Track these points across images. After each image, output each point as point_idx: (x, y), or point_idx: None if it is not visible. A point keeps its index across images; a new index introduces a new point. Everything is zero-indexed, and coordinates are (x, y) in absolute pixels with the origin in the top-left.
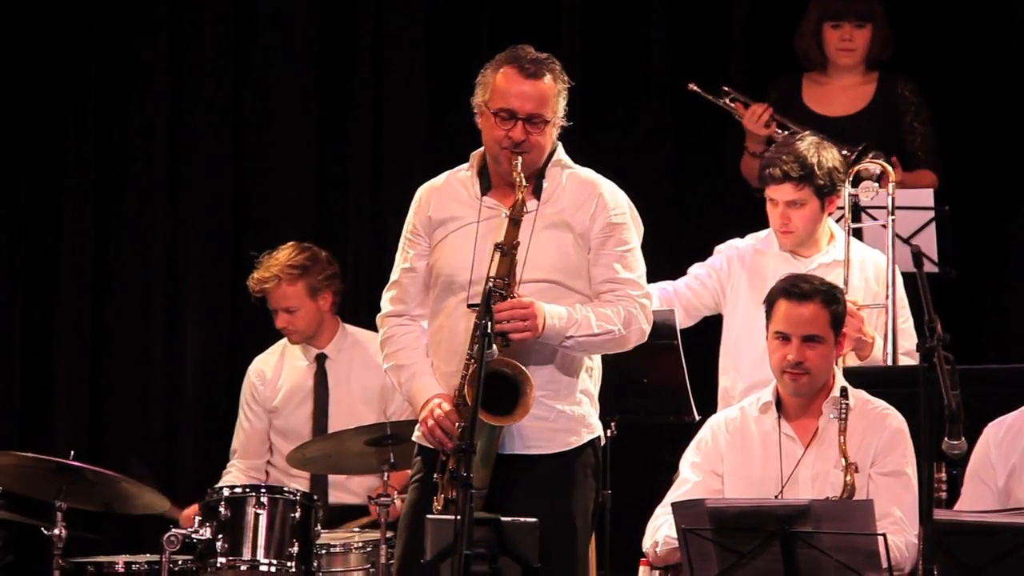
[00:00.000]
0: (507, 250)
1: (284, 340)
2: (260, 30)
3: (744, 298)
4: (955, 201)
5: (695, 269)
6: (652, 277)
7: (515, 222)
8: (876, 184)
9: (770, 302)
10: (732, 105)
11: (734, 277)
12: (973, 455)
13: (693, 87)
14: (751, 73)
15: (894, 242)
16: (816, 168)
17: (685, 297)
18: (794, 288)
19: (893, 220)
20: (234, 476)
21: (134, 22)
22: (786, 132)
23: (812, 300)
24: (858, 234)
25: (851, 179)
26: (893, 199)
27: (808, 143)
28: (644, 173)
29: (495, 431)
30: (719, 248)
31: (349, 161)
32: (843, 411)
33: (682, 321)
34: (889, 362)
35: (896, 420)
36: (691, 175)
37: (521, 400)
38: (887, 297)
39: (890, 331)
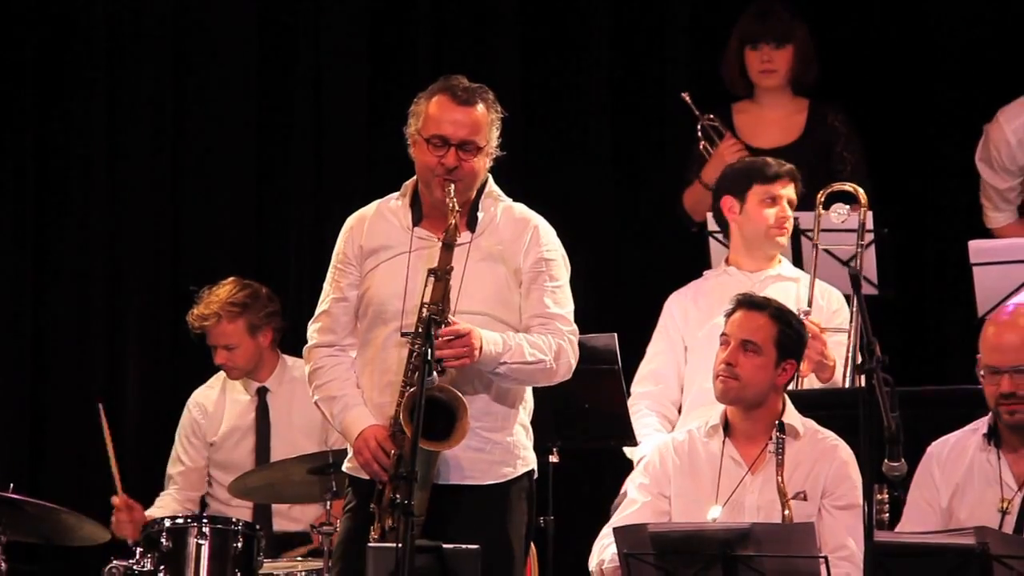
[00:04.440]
0: (441, 275)
1: (223, 373)
2: (198, 61)
3: (693, 324)
4: (891, 223)
5: (655, 347)
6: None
7: (448, 247)
8: (847, 207)
9: (728, 316)
10: (712, 127)
11: (683, 312)
12: (916, 475)
13: (685, 96)
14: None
15: (856, 261)
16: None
17: (680, 385)
18: (750, 298)
19: (868, 244)
20: (168, 503)
21: (72, 49)
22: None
23: (763, 311)
24: (798, 260)
25: (822, 201)
26: (863, 223)
27: None
28: (583, 208)
29: (431, 456)
30: (664, 310)
31: (289, 194)
32: (779, 446)
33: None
34: (847, 383)
35: (845, 452)
36: (630, 210)
37: (456, 425)
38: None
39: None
